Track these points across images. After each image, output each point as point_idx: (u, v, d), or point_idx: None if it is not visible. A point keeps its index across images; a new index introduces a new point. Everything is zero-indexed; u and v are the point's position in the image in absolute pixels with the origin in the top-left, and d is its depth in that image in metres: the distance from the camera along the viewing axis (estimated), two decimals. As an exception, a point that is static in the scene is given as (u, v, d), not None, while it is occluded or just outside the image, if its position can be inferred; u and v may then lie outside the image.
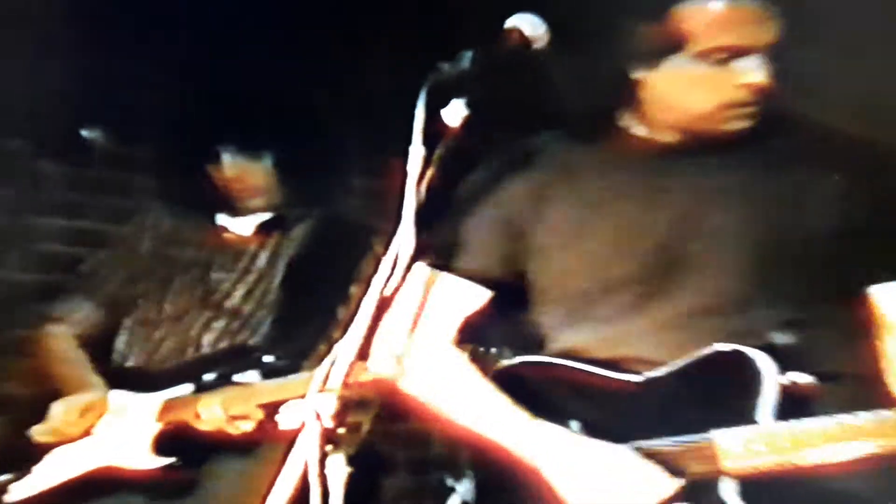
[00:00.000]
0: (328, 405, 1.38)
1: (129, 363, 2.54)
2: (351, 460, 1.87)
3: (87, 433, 2.44)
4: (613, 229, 1.76)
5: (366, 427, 2.36)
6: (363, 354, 1.48)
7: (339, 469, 1.31)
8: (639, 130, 1.80)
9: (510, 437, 1.68)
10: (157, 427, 2.38)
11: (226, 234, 2.61)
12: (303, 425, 1.38)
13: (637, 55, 1.72)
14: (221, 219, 2.63)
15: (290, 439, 1.45)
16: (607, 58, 1.74)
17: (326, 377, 1.41)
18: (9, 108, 3.16)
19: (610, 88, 1.77)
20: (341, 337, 1.97)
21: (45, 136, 3.10)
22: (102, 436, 2.44)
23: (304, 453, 1.37)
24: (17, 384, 2.87)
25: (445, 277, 1.82)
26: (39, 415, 2.49)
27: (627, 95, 1.76)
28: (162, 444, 2.36)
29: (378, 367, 1.81)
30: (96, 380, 2.50)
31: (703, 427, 1.58)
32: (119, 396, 2.47)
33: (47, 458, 2.47)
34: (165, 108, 2.74)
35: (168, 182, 2.70)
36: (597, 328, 1.74)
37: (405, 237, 1.46)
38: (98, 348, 2.59)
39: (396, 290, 1.46)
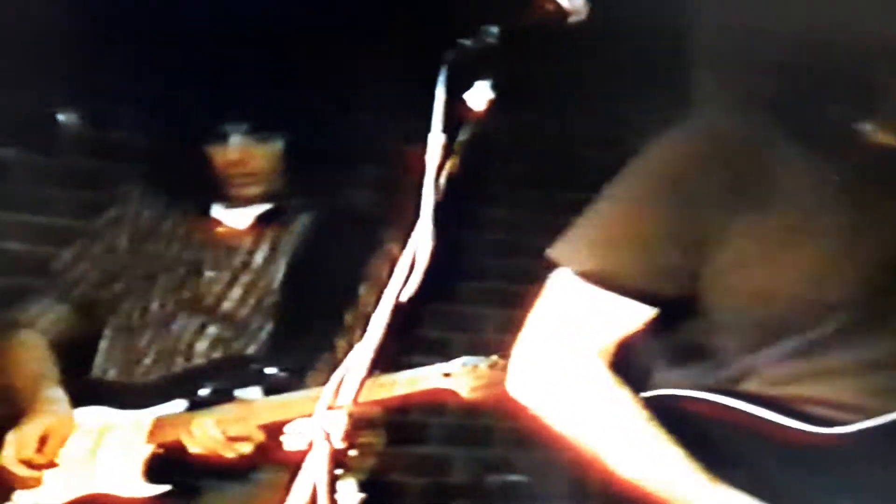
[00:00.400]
0: (338, 424, 1.38)
1: (110, 375, 2.48)
2: (363, 486, 1.87)
3: (50, 465, 2.38)
4: (832, 243, 1.60)
5: (378, 449, 2.37)
6: (376, 367, 1.47)
7: (350, 495, 1.31)
8: (879, 136, 1.66)
9: (678, 490, 1.55)
10: (147, 449, 2.33)
11: (218, 228, 2.54)
12: (310, 446, 1.38)
13: None
14: (215, 210, 2.55)
15: (293, 462, 1.45)
16: (858, 59, 1.62)
17: (336, 392, 1.40)
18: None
19: (855, 91, 1.65)
20: (351, 346, 1.94)
21: (9, 122, 3.09)
22: (82, 459, 2.37)
23: (312, 478, 1.36)
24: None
25: (602, 294, 1.65)
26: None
27: (874, 100, 1.64)
28: (154, 469, 2.31)
29: (515, 388, 1.70)
30: (57, 395, 2.43)
31: None
32: (100, 414, 2.41)
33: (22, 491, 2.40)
34: (160, 82, 2.64)
35: (155, 165, 2.61)
36: (788, 360, 1.61)
37: (423, 235, 1.41)
38: (77, 358, 2.53)
39: (413, 296, 1.45)
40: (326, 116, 2.55)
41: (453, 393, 2.19)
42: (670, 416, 1.61)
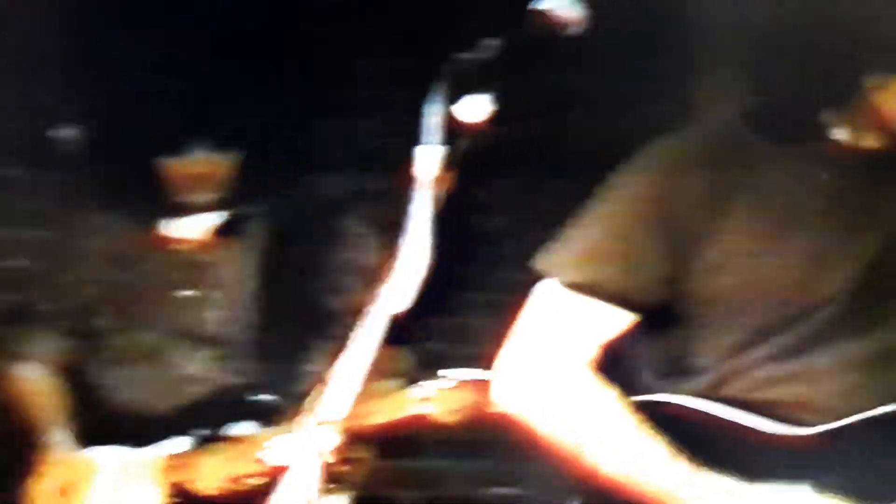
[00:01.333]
0: (329, 439, 1.35)
1: (119, 409, 2.44)
2: (355, 501, 1.83)
3: None
4: (810, 246, 1.63)
5: (369, 463, 2.34)
6: (368, 381, 1.45)
7: (342, 512, 1.29)
8: (842, 134, 1.68)
9: (671, 485, 1.58)
10: (164, 491, 2.31)
11: (176, 246, 2.48)
12: (294, 463, 1.34)
13: (879, 57, 1.60)
14: (165, 225, 2.49)
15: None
16: (837, 55, 1.62)
17: (326, 407, 1.37)
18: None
19: (830, 86, 1.64)
20: (341, 348, 1.90)
21: (11, 140, 3.08)
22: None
23: (304, 494, 1.33)
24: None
25: (585, 301, 1.67)
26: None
27: (848, 96, 1.65)
28: None
29: (501, 400, 1.70)
30: (63, 438, 2.39)
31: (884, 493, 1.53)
32: (114, 453, 2.38)
33: None
34: (123, 97, 2.56)
35: (104, 185, 2.53)
36: (767, 364, 1.64)
37: (419, 247, 1.41)
38: (87, 383, 2.48)
39: (408, 310, 1.43)
40: (288, 128, 2.51)
41: (432, 417, 2.15)
42: (653, 419, 1.63)
